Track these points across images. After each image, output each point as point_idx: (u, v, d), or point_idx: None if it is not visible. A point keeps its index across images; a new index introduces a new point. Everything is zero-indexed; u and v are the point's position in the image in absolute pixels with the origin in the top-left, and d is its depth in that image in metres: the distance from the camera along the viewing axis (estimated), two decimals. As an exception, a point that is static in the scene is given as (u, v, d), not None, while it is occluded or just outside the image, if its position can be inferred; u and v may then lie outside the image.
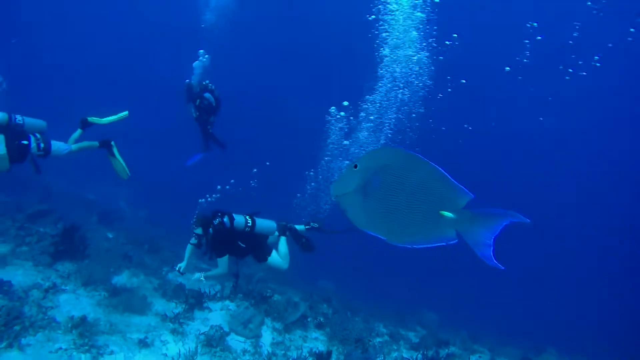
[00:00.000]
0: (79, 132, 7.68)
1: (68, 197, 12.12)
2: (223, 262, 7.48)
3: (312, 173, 12.41)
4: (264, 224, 7.57)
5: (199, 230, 7.33)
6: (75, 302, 6.38)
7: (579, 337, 12.98)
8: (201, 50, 11.63)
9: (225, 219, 7.31)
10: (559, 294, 19.89)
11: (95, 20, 29.24)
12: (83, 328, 5.63)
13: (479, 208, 2.29)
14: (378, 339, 8.69)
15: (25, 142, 6.84)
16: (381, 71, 11.32)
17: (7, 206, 9.39)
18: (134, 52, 30.31)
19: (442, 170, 2.21)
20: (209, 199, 10.28)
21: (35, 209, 9.34)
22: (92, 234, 8.91)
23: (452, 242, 2.30)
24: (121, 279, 7.59)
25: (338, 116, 11.48)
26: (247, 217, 7.41)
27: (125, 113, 7.95)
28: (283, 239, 7.99)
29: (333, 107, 11.59)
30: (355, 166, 2.28)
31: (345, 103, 11.59)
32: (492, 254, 2.27)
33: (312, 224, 8.23)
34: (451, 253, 19.85)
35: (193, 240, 7.45)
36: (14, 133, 6.80)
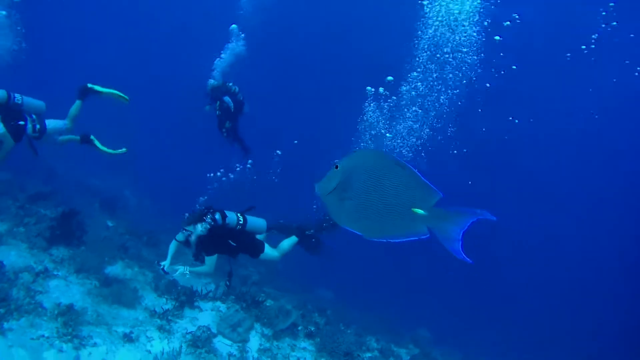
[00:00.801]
0: (78, 103, 7.43)
1: (73, 181, 12.09)
2: (211, 260, 7.17)
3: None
4: (255, 222, 7.26)
5: (190, 228, 6.90)
6: (64, 289, 6.32)
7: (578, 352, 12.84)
8: (234, 26, 11.34)
9: (217, 216, 6.98)
10: (559, 308, 19.65)
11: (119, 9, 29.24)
12: (68, 317, 5.57)
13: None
14: (368, 354, 8.57)
15: (21, 122, 6.72)
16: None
17: (10, 185, 9.35)
18: (154, 44, 30.21)
19: (416, 171, 2.42)
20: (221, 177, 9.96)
21: (38, 190, 9.32)
22: (92, 221, 8.87)
23: (423, 237, 2.48)
24: (115, 269, 7.53)
25: (374, 96, 10.79)
26: (239, 215, 7.15)
27: (126, 98, 7.72)
28: (294, 239, 7.77)
29: (369, 87, 10.78)
30: (337, 167, 2.49)
31: (390, 78, 11.08)
32: (460, 248, 2.46)
33: (307, 231, 8.02)
34: (456, 269, 19.80)
35: (180, 237, 7.01)
36: (11, 112, 6.67)
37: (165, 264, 7.05)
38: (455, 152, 15.93)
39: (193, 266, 7.34)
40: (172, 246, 7.16)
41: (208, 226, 6.80)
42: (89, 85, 7.41)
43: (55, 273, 6.60)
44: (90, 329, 5.68)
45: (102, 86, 7.55)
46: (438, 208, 2.39)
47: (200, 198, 7.91)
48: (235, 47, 11.38)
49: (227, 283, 7.40)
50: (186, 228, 6.94)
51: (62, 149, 7.72)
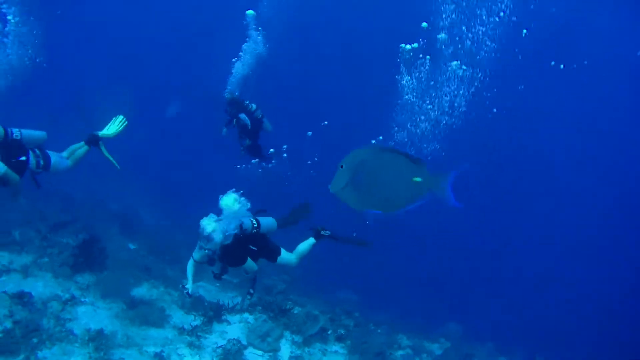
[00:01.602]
0: (81, 145, 7.09)
1: (90, 205, 12.17)
2: (249, 264, 6.58)
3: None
4: (267, 222, 6.90)
5: (214, 245, 6.03)
6: (93, 314, 6.38)
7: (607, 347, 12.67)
8: (250, 12, 11.03)
9: (247, 222, 6.52)
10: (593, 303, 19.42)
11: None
12: (99, 341, 5.63)
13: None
14: (400, 352, 8.56)
15: (23, 158, 6.33)
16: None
17: (31, 214, 9.45)
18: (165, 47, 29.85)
19: (404, 151, 3.02)
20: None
21: (58, 220, 9.42)
22: (113, 245, 8.93)
23: (427, 200, 3.15)
24: (140, 290, 7.58)
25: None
26: (252, 218, 6.81)
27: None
28: (312, 241, 7.41)
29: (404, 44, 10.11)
30: (342, 166, 3.01)
31: (424, 25, 10.65)
32: (452, 196, 3.17)
33: (323, 231, 7.67)
34: (478, 262, 19.66)
35: (197, 256, 6.43)
36: (11, 149, 6.28)
37: (189, 287, 6.49)
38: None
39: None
40: (191, 266, 6.58)
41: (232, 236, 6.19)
42: (99, 133, 7.16)
43: (82, 300, 6.67)
44: (122, 351, 5.73)
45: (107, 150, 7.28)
46: (429, 173, 3.01)
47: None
48: (253, 47, 11.12)
49: (251, 291, 7.03)
50: (205, 247, 6.15)
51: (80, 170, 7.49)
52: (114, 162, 7.27)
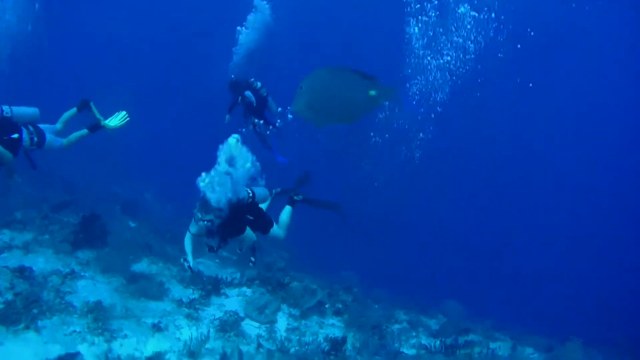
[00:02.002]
0: (73, 111, 7.01)
1: (92, 188, 12.33)
2: (248, 234, 6.48)
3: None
4: (261, 191, 6.82)
5: (210, 216, 5.84)
6: (92, 288, 6.51)
7: (606, 327, 12.71)
8: None
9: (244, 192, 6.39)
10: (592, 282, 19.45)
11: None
12: (98, 312, 5.75)
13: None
14: (397, 326, 8.64)
15: (15, 135, 6.16)
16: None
17: (33, 198, 9.60)
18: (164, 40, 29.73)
19: (358, 69, 3.23)
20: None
21: (60, 200, 9.54)
22: (114, 223, 9.05)
23: (381, 107, 3.69)
24: (140, 266, 7.71)
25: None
26: (247, 188, 6.45)
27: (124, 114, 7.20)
28: (289, 209, 7.47)
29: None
30: (301, 87, 3.26)
31: None
32: (405, 102, 4.11)
33: (295, 197, 7.60)
34: (483, 244, 19.72)
35: (194, 229, 6.27)
36: (2, 126, 6.14)
37: (190, 261, 6.34)
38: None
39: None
40: (188, 240, 6.45)
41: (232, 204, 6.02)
42: (91, 103, 7.03)
43: (82, 274, 6.79)
44: (120, 322, 5.85)
45: (99, 111, 7.13)
46: (382, 86, 3.25)
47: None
48: (260, 18, 10.99)
49: (252, 259, 6.79)
50: (206, 218, 5.90)
51: (69, 151, 7.32)
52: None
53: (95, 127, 6.98)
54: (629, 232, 24.43)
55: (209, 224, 5.82)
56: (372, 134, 15.55)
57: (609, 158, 27.66)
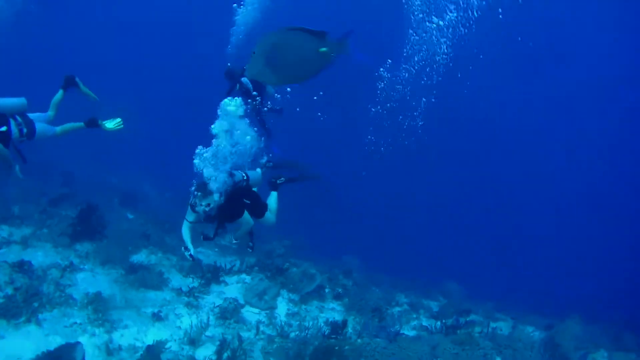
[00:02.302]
0: (60, 93, 6.68)
1: (90, 181, 12.34)
2: (246, 217, 6.42)
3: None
4: (254, 175, 6.84)
5: (211, 199, 5.81)
6: (92, 280, 6.53)
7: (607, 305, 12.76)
8: None
9: (239, 175, 6.43)
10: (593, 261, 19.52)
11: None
12: (98, 304, 5.77)
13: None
14: (397, 309, 8.68)
15: (3, 128, 5.86)
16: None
17: (31, 191, 9.59)
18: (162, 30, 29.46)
19: (307, 27, 3.36)
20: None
21: (57, 193, 9.55)
22: (112, 215, 9.06)
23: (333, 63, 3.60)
24: (139, 257, 7.73)
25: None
26: (242, 172, 6.56)
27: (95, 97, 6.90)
28: (274, 194, 7.33)
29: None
30: (254, 52, 3.34)
31: None
32: (357, 53, 3.54)
33: (278, 181, 7.57)
34: (486, 227, 19.77)
35: (191, 217, 6.21)
36: None
37: (191, 249, 6.31)
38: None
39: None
40: (186, 230, 6.42)
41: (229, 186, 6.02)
42: (77, 78, 6.73)
43: (81, 267, 6.82)
44: (120, 312, 5.88)
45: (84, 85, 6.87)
46: (332, 41, 3.42)
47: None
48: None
49: (250, 244, 6.85)
50: (206, 201, 5.87)
51: (67, 144, 7.19)
52: (115, 128, 6.97)
53: (93, 123, 6.81)
54: (630, 213, 24.56)
55: (208, 208, 5.83)
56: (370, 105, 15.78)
57: (616, 145, 27.85)
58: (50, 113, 6.66)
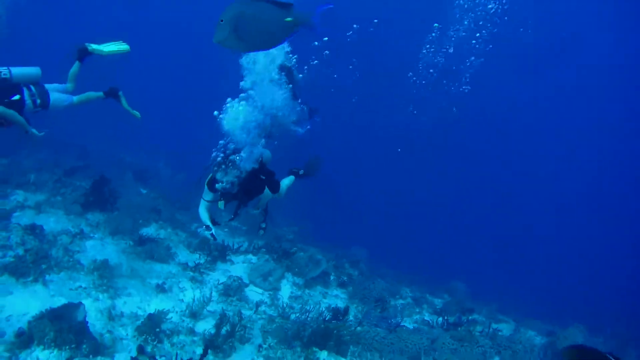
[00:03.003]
0: (77, 65, 6.46)
1: (106, 156, 12.47)
2: (267, 192, 6.24)
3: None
4: (267, 153, 6.41)
5: (230, 176, 5.49)
6: (100, 248, 6.63)
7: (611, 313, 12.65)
8: None
9: (257, 152, 5.92)
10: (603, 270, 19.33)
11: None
12: (104, 271, 5.85)
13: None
14: (400, 301, 8.71)
15: (16, 96, 5.79)
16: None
17: (47, 162, 9.74)
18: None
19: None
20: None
21: (73, 165, 9.69)
22: (125, 189, 9.17)
23: (296, 33, 3.72)
24: (149, 230, 7.81)
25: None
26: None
27: (126, 46, 6.62)
28: (292, 177, 6.96)
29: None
30: (222, 20, 3.45)
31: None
32: (316, 28, 3.71)
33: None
34: (496, 228, 19.66)
35: (208, 197, 5.92)
36: (1, 89, 5.76)
37: (212, 228, 5.93)
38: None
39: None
40: (204, 209, 6.09)
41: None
42: (89, 47, 6.42)
43: (91, 235, 6.92)
44: (125, 281, 5.97)
45: (99, 44, 6.53)
46: (297, 12, 3.60)
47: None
48: None
49: (263, 225, 6.57)
50: (226, 179, 5.53)
51: (96, 124, 7.11)
52: (133, 112, 6.73)
53: (112, 93, 6.68)
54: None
55: (229, 185, 5.50)
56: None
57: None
58: (69, 85, 6.54)
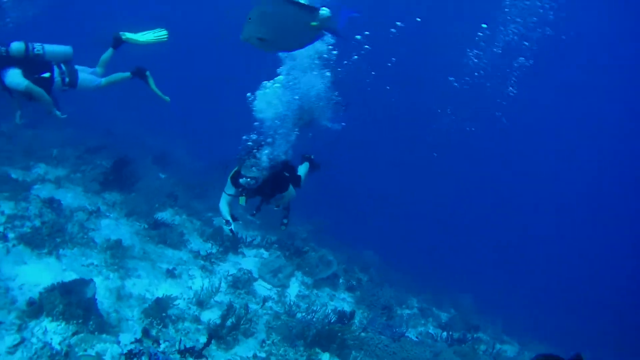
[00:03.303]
0: (110, 51, 6.45)
1: (129, 137, 12.55)
2: (291, 189, 6.02)
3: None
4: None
5: (253, 172, 5.30)
6: (115, 228, 6.68)
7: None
8: None
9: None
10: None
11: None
12: (116, 250, 5.91)
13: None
14: (407, 311, 8.68)
15: (47, 74, 5.87)
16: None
17: (71, 138, 9.85)
18: None
19: (300, 3, 3.59)
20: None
21: (95, 144, 9.78)
22: (144, 172, 9.21)
23: (321, 37, 3.82)
24: (164, 215, 7.84)
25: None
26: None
27: (164, 33, 6.58)
28: (306, 164, 6.82)
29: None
30: (249, 18, 3.49)
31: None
32: (340, 33, 3.90)
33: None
34: (511, 243, 19.51)
35: (230, 190, 5.69)
36: (33, 64, 5.83)
37: (232, 224, 5.78)
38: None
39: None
40: (225, 204, 5.88)
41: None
42: (123, 36, 6.41)
43: (107, 214, 6.98)
44: (136, 262, 6.01)
45: (135, 32, 6.53)
46: (323, 17, 3.61)
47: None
48: None
49: (285, 221, 6.39)
50: (250, 175, 5.36)
51: (111, 100, 7.10)
52: (162, 95, 6.69)
53: (139, 73, 6.64)
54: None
55: (253, 181, 5.35)
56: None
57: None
58: (98, 69, 6.56)
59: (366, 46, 8.63)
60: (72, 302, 4.34)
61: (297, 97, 5.44)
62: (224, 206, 5.83)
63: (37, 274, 4.96)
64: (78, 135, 10.35)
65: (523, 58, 14.86)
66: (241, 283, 6.53)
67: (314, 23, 3.65)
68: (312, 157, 6.87)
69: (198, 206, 8.95)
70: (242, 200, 5.55)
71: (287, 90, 5.29)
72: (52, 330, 4.20)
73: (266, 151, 5.28)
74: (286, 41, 3.74)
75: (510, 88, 16.38)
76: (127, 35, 6.38)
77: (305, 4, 3.71)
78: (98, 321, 4.48)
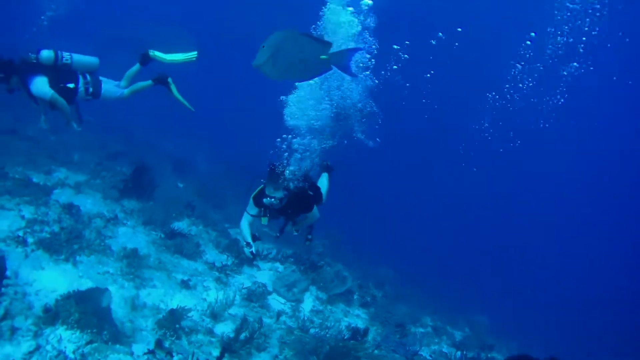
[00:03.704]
0: (137, 67, 6.48)
1: (149, 143, 12.67)
2: (315, 211, 5.81)
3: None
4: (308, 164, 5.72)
5: (279, 193, 5.10)
6: (131, 236, 6.71)
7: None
8: None
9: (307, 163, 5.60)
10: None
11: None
12: (132, 259, 5.92)
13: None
14: (421, 330, 8.58)
15: (71, 85, 5.95)
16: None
17: (92, 143, 9.95)
18: None
19: (313, 36, 3.79)
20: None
21: (116, 149, 9.87)
22: (163, 180, 9.27)
23: (329, 71, 3.91)
24: (180, 225, 7.86)
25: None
26: None
27: (194, 53, 6.63)
28: (326, 175, 6.62)
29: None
30: (263, 46, 3.57)
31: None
32: (349, 69, 4.05)
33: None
34: (528, 262, 19.31)
35: (253, 211, 5.50)
36: (60, 73, 5.92)
37: (253, 246, 5.52)
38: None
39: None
40: (246, 224, 5.64)
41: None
42: (151, 54, 6.46)
43: (124, 222, 7.02)
44: (152, 272, 6.02)
45: (164, 52, 6.56)
46: (333, 52, 3.74)
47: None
48: None
49: (309, 237, 6.20)
50: (275, 195, 5.15)
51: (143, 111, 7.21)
52: (186, 104, 6.66)
53: (161, 80, 6.61)
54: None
55: (277, 202, 5.14)
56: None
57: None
58: (123, 83, 6.58)
59: (405, 55, 8.61)
60: (87, 310, 4.35)
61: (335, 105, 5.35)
62: (245, 227, 5.63)
63: (54, 280, 4.98)
64: (99, 140, 10.47)
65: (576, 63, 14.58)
66: (255, 296, 6.51)
67: (323, 56, 3.76)
68: (329, 163, 6.71)
69: (215, 216, 8.98)
70: (264, 220, 5.39)
71: (326, 97, 5.20)
72: (66, 339, 4.20)
73: (295, 170, 5.11)
74: (295, 71, 3.82)
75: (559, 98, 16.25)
76: (156, 53, 6.44)
77: (319, 38, 3.87)
78: (112, 331, 4.47)
